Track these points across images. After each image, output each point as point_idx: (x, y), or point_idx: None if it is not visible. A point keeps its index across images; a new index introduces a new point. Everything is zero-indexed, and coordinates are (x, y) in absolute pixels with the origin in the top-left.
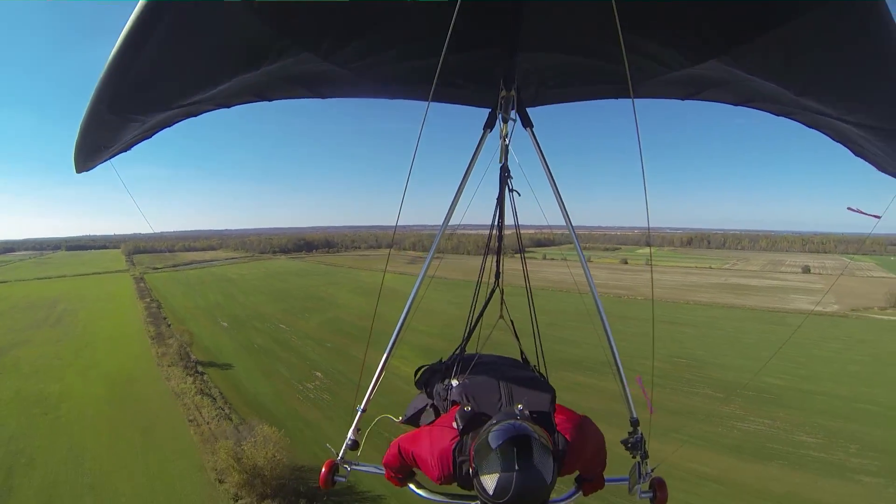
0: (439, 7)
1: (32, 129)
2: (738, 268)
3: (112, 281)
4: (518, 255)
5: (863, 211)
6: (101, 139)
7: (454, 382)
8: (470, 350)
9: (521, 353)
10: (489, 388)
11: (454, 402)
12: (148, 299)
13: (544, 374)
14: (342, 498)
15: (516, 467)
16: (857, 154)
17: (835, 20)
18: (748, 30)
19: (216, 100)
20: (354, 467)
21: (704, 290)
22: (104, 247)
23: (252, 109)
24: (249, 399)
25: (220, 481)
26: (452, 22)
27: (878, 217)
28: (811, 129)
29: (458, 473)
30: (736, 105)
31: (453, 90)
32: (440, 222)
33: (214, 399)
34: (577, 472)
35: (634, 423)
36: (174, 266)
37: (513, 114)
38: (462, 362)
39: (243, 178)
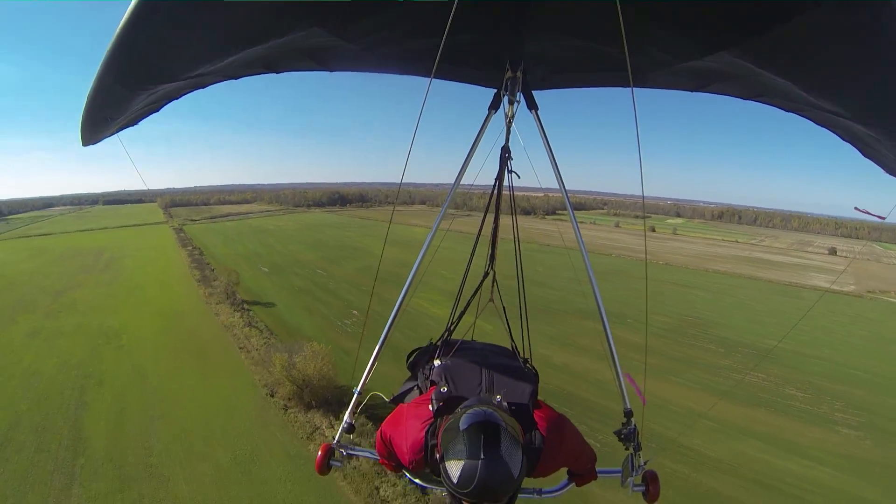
0: None
1: (74, 86)
2: (765, 244)
3: (152, 232)
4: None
5: (869, 211)
6: (108, 111)
7: (436, 363)
8: (467, 338)
9: (512, 342)
10: (470, 372)
11: (433, 383)
12: (190, 247)
13: (533, 367)
14: (377, 410)
15: (482, 455)
16: (866, 155)
17: (847, 15)
18: (759, 22)
19: (224, 71)
20: (350, 452)
21: (725, 260)
22: (140, 201)
23: None
24: (293, 331)
25: (271, 395)
26: (455, 3)
27: (883, 218)
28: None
29: (429, 458)
30: (745, 99)
31: (460, 69)
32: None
33: (261, 331)
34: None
35: (628, 414)
36: (211, 218)
37: (518, 95)
38: (448, 346)
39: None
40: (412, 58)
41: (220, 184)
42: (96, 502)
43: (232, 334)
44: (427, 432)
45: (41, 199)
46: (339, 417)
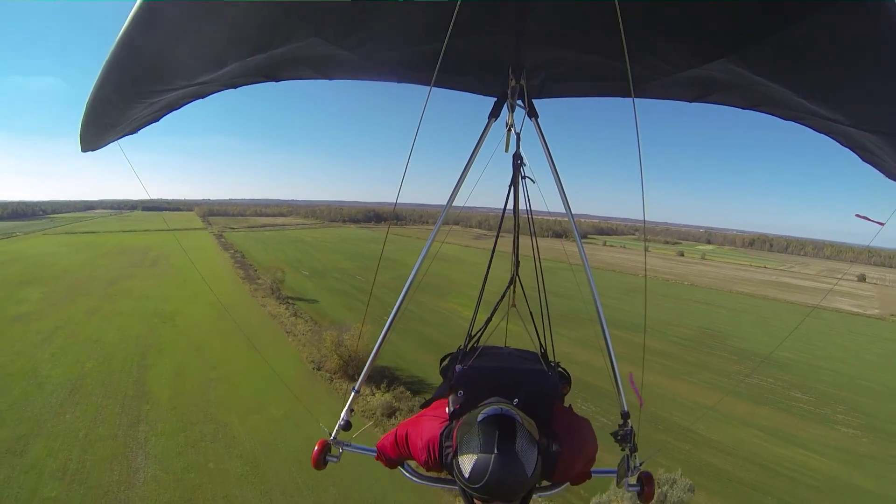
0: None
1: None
2: (794, 270)
3: (194, 236)
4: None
5: (869, 218)
6: (107, 118)
7: (458, 367)
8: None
9: (541, 346)
10: (491, 376)
11: (452, 387)
12: (231, 251)
13: (565, 370)
14: (412, 386)
15: (495, 450)
16: (865, 160)
17: (846, 21)
18: (758, 29)
19: (223, 80)
20: (346, 448)
21: (751, 283)
22: (178, 209)
23: (328, 86)
24: (336, 323)
25: (318, 368)
26: (455, 14)
27: (882, 224)
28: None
29: (444, 459)
30: (745, 109)
31: (460, 77)
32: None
33: (306, 320)
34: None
35: (625, 415)
36: (249, 227)
37: (519, 103)
38: (473, 351)
39: (315, 151)
40: (412, 66)
41: (254, 197)
42: (162, 437)
43: (279, 322)
44: (442, 433)
45: (81, 202)
46: (378, 387)
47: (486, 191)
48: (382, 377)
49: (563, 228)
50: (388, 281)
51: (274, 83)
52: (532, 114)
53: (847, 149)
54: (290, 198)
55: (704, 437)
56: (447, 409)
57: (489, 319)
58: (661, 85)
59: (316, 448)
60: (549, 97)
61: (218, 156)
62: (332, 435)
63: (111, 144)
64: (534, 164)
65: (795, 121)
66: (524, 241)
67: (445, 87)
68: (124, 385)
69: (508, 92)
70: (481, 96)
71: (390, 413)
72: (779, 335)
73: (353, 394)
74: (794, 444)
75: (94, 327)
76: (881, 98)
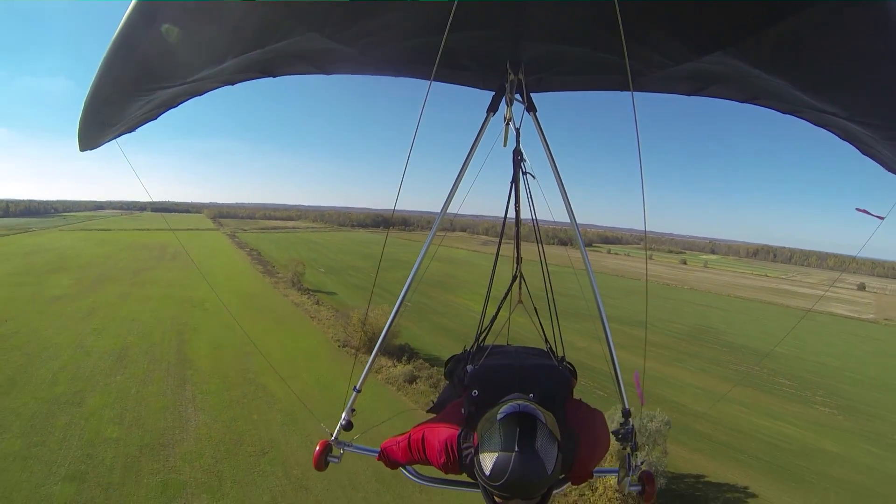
0: None
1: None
2: (795, 279)
3: (208, 235)
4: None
5: (869, 211)
6: (105, 116)
7: (469, 368)
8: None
9: (546, 341)
10: (503, 374)
11: (466, 389)
12: (247, 249)
13: (570, 364)
14: (429, 361)
15: (516, 448)
16: (864, 153)
17: (842, 15)
18: (755, 21)
19: (221, 77)
20: (347, 448)
21: (750, 290)
22: (187, 211)
23: (337, 91)
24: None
25: (343, 346)
26: (453, 10)
27: (882, 218)
28: (820, 128)
29: (463, 461)
30: (742, 102)
31: (459, 72)
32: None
33: (328, 308)
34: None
35: (626, 413)
36: (261, 229)
37: (517, 97)
38: (481, 351)
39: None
40: (410, 60)
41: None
42: (208, 395)
43: (303, 309)
44: (460, 434)
45: (92, 202)
46: (401, 360)
47: (492, 198)
48: (402, 352)
49: (567, 237)
50: (401, 278)
51: (272, 78)
52: (531, 108)
53: (846, 142)
54: (299, 203)
55: (689, 409)
56: (462, 409)
57: (496, 315)
58: (659, 78)
59: (317, 448)
60: (548, 91)
61: (226, 159)
62: (334, 435)
63: (111, 144)
64: (534, 162)
65: (793, 114)
66: (531, 244)
67: (444, 82)
68: (167, 354)
69: (507, 86)
70: (485, 99)
71: (411, 380)
72: (772, 334)
73: (354, 393)
74: (774, 417)
75: (128, 309)
76: (875, 90)
